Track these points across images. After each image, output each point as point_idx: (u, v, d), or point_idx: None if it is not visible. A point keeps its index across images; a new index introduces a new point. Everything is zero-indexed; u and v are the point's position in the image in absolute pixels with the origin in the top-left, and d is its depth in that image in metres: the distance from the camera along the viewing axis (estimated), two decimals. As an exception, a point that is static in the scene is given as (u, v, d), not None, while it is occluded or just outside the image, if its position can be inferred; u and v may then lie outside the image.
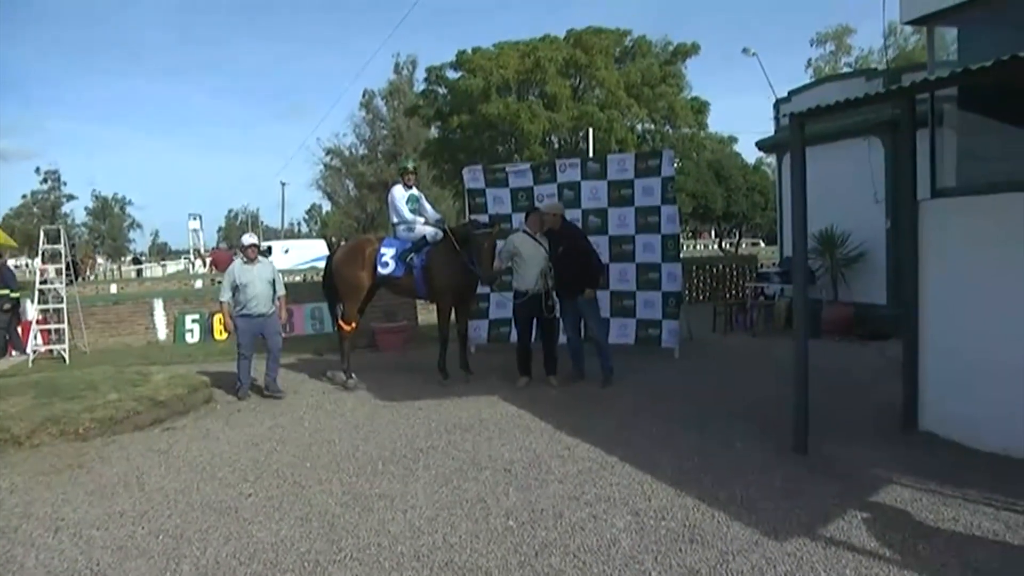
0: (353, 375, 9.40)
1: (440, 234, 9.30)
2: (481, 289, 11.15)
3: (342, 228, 60.25)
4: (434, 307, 9.67)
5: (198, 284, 18.18)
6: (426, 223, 9.46)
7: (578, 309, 8.85)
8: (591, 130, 27.51)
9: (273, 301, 8.95)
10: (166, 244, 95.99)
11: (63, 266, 13.39)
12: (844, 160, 12.10)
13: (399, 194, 9.59)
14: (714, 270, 17.95)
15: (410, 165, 9.85)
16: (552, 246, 8.73)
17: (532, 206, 10.12)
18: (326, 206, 73.12)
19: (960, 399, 5.98)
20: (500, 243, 9.21)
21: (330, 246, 29.75)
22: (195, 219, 43.57)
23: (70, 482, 5.97)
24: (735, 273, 17.83)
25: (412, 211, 9.64)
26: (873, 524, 4.57)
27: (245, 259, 8.87)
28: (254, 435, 7.21)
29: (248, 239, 9.04)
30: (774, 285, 13.41)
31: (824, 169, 11.01)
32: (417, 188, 9.80)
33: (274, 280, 8.99)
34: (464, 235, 9.12)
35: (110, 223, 73.57)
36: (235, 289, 8.75)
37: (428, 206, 9.91)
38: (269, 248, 28.23)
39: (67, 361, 12.53)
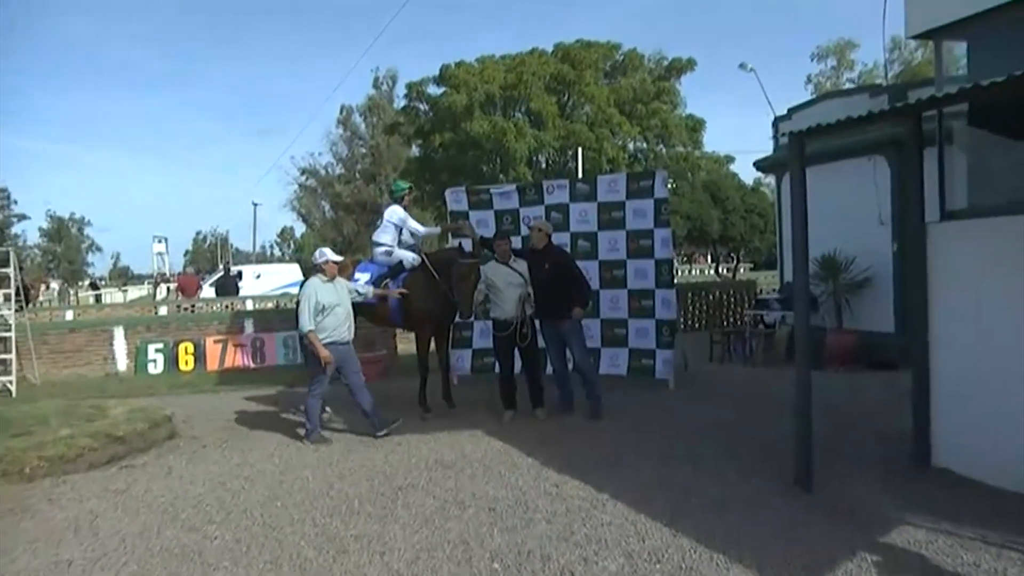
0: (328, 409, 9.36)
1: (418, 260, 9.38)
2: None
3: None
4: (414, 336, 9.68)
5: (163, 311, 18.03)
6: (411, 245, 9.59)
7: (562, 336, 8.83)
8: (580, 149, 27.73)
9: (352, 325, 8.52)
10: (128, 268, 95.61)
11: (12, 291, 13.24)
12: (847, 181, 12.21)
13: (399, 213, 9.62)
14: (711, 296, 18.02)
15: (409, 186, 10.09)
16: (536, 266, 8.76)
17: (499, 230, 10.16)
18: (300, 228, 73.11)
19: (977, 432, 5.94)
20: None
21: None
22: (160, 241, 43.35)
23: (11, 529, 5.79)
24: (733, 300, 17.91)
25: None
26: (884, 568, 4.51)
27: (324, 277, 8.25)
28: (221, 473, 7.11)
29: (325, 254, 8.33)
30: (774, 312, 13.47)
31: (826, 190, 11.11)
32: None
33: (362, 294, 8.74)
34: (445, 261, 9.14)
35: (66, 245, 73.13)
36: (319, 313, 8.05)
37: (418, 227, 9.98)
38: (239, 272, 28.05)
39: (13, 394, 12.36)
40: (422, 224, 10.13)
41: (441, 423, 8.78)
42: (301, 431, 8.49)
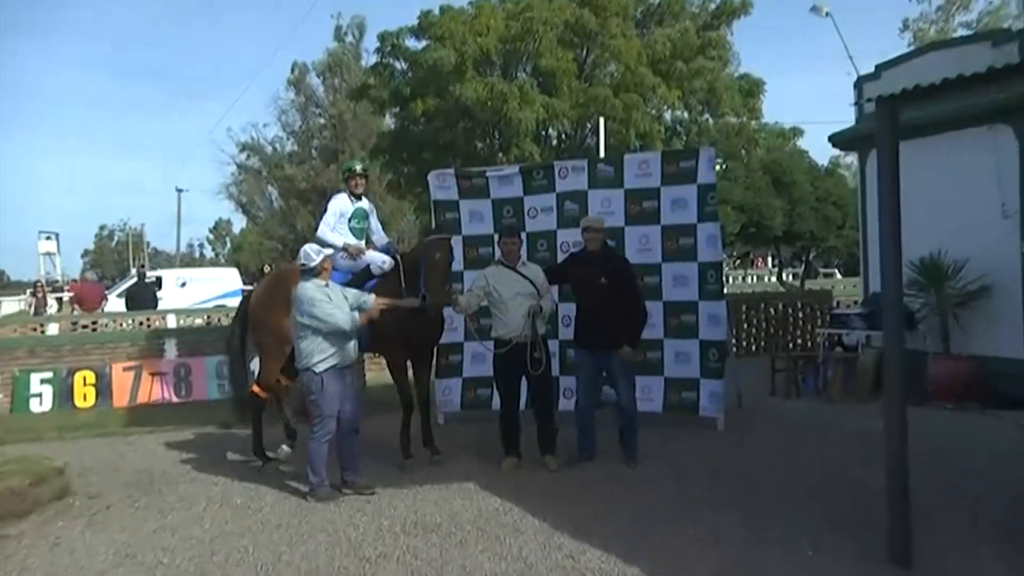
0: (276, 452, 9.39)
1: (389, 262, 9.44)
2: (453, 337, 11.17)
3: (261, 252, 60.15)
4: (387, 361, 9.73)
5: (52, 329, 18.01)
6: (385, 245, 9.68)
7: (603, 367, 8.99)
8: (602, 120, 27.69)
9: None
10: (3, 273, 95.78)
11: None
12: (958, 159, 12.18)
13: (338, 206, 9.74)
14: (772, 310, 18.06)
15: (358, 167, 9.99)
16: (587, 277, 8.90)
17: (507, 226, 10.22)
18: (240, 222, 73.07)
19: None
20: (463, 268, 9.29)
21: (263, 275, 29.70)
22: (49, 239, 43.48)
23: None
24: (801, 315, 17.92)
25: (357, 230, 9.75)
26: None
27: (320, 281, 8.22)
28: (130, 543, 7.10)
29: (313, 253, 8.23)
30: (856, 332, 13.49)
31: (928, 171, 11.13)
32: (367, 199, 9.98)
33: (359, 305, 8.49)
34: (414, 259, 9.20)
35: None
36: (317, 332, 8.07)
37: (378, 226, 10.08)
38: (158, 279, 28.18)
39: None
40: (343, 225, 9.85)
41: (423, 474, 8.79)
42: (295, 484, 8.53)
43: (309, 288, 8.06)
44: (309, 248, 8.31)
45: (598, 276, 8.83)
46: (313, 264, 8.13)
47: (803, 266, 41.09)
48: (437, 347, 11.24)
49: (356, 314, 8.18)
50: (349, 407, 8.24)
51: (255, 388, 9.73)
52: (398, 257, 9.51)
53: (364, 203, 9.90)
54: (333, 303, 8.05)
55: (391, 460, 9.18)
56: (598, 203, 10.99)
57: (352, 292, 8.46)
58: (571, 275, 9.31)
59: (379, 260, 9.47)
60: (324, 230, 9.67)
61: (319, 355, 7.98)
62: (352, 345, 8.23)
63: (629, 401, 9.03)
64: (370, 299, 8.54)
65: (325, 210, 9.81)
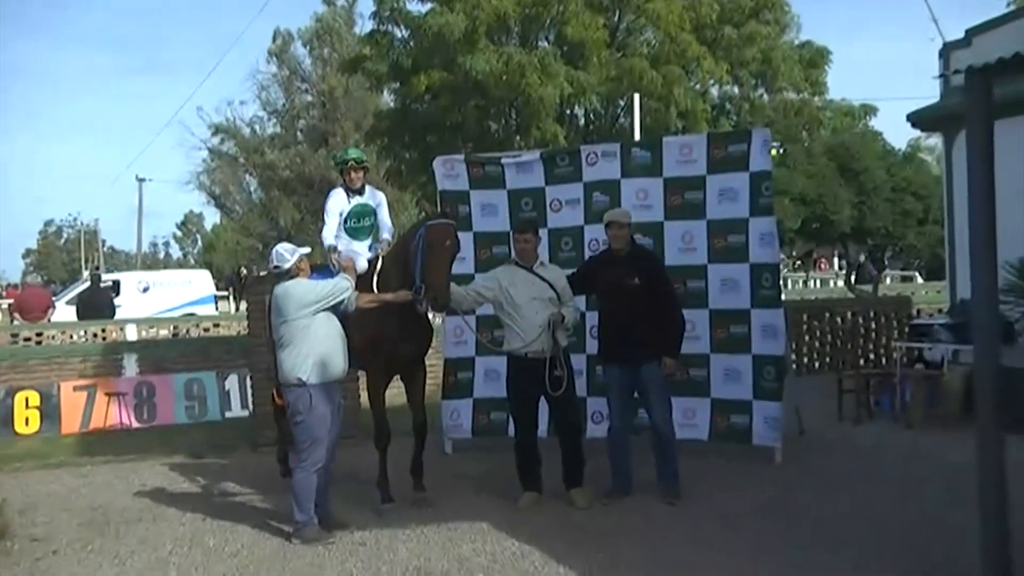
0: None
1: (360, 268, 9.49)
2: (462, 351, 11.18)
3: (238, 252, 60.35)
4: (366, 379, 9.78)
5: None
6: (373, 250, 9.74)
7: (635, 385, 8.98)
8: (637, 97, 27.66)
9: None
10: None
11: None
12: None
13: (336, 203, 9.82)
14: (839, 320, 18.00)
15: (354, 156, 10.05)
16: (614, 279, 8.92)
17: (523, 220, 10.25)
18: (213, 216, 73.30)
19: None
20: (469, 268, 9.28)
21: (240, 279, 29.72)
22: (-18, 236, 43.72)
23: None
24: (875, 325, 17.85)
25: (356, 231, 9.85)
26: None
27: (287, 280, 8.32)
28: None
29: (286, 253, 8.38)
30: (941, 345, 13.44)
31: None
32: (374, 190, 10.13)
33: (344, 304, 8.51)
34: (401, 250, 9.16)
35: None
36: (289, 329, 8.11)
37: (387, 221, 10.12)
38: (116, 283, 28.30)
39: None
40: (344, 226, 9.97)
41: (427, 513, 8.77)
42: (276, 523, 8.52)
43: (292, 284, 8.14)
44: (282, 248, 8.45)
45: (628, 277, 8.84)
46: (287, 265, 8.21)
47: (876, 268, 40.71)
48: (444, 363, 11.30)
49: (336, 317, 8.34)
50: (335, 432, 8.32)
51: (279, 399, 9.76)
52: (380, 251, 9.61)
53: (366, 198, 9.94)
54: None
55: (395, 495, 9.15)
56: (632, 194, 10.97)
57: (328, 284, 8.43)
58: (596, 279, 9.31)
59: (359, 264, 9.44)
60: (329, 234, 9.77)
61: (306, 366, 7.98)
62: (343, 352, 8.28)
63: (665, 424, 9.02)
64: (351, 294, 8.54)
65: (325, 208, 9.88)
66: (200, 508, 9.42)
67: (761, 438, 10.45)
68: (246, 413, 14.29)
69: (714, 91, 33.94)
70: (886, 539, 7.61)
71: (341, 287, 8.34)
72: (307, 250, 8.58)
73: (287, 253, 8.29)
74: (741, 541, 7.66)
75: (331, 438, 8.23)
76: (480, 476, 10.04)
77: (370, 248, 9.95)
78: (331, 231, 9.80)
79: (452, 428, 11.44)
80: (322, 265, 10.05)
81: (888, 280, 42.58)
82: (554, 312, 8.70)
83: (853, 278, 38.85)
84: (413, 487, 9.21)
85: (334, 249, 9.67)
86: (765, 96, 33.98)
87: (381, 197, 10.18)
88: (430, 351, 9.58)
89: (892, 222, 34.05)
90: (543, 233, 10.50)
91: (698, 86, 32.85)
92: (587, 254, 10.74)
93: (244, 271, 37.40)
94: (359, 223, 9.88)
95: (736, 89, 33.91)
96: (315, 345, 8.04)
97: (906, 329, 15.85)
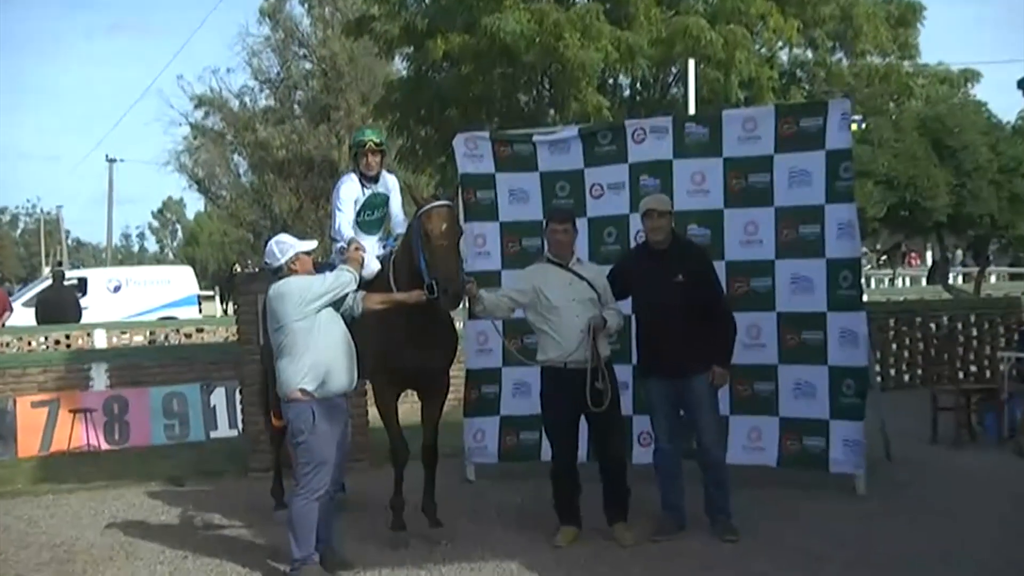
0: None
1: (374, 268, 9.55)
2: (487, 360, 11.22)
3: (225, 245, 60.52)
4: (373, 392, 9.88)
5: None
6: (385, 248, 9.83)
7: (682, 401, 8.98)
8: (692, 63, 27.61)
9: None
10: None
11: None
12: None
13: (347, 192, 9.91)
14: (933, 326, 17.91)
15: (372, 138, 10.12)
16: (654, 278, 8.92)
17: (557, 209, 10.32)
18: (195, 203, 73.54)
19: None
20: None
21: (230, 276, 29.82)
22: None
23: None
24: (976, 332, 17.76)
25: (369, 224, 9.98)
26: None
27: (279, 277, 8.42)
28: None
29: (286, 245, 8.47)
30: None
31: None
32: (388, 174, 10.21)
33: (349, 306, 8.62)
34: (405, 245, 9.25)
35: None
36: (288, 335, 8.18)
37: (401, 214, 10.21)
38: (81, 281, 28.46)
39: None
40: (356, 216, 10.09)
41: (446, 551, 8.80)
42: (271, 562, 8.58)
43: (286, 282, 8.18)
44: (278, 241, 8.47)
45: (670, 274, 8.84)
46: (278, 263, 8.28)
47: (979, 264, 40.45)
48: (466, 374, 11.31)
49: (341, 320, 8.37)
50: (342, 454, 8.36)
51: (276, 421, 9.84)
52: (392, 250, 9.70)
53: (381, 186, 10.03)
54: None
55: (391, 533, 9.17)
56: (687, 177, 10.95)
57: (327, 281, 8.40)
58: (632, 278, 9.27)
59: (371, 268, 9.49)
60: (342, 224, 9.84)
61: (308, 377, 7.98)
62: (351, 361, 8.29)
63: (715, 446, 9.05)
64: (357, 296, 8.61)
65: (334, 197, 9.98)
66: (182, 544, 9.43)
67: (839, 464, 10.35)
68: (235, 433, 14.35)
69: (783, 55, 33.81)
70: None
71: (343, 279, 8.30)
72: (311, 244, 8.61)
73: (279, 248, 8.30)
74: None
75: (336, 461, 8.23)
76: (508, 507, 10.06)
77: (384, 245, 10.02)
78: (348, 223, 9.86)
79: (475, 451, 11.43)
80: (326, 263, 10.12)
81: (993, 278, 42.24)
82: (595, 316, 8.67)
83: (924, 279, 38.45)
84: (429, 523, 9.23)
85: (353, 242, 9.65)
86: (844, 61, 33.82)
87: (393, 182, 10.26)
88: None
89: (998, 209, 33.80)
90: (582, 223, 10.51)
91: (764, 49, 32.74)
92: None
93: (237, 267, 37.51)
94: (371, 215, 9.98)
95: (809, 53, 33.76)
96: (319, 352, 8.02)
97: (1015, 336, 15.77)
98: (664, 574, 8.09)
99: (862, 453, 10.38)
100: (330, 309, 8.23)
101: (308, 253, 8.43)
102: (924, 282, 37.36)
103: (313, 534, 8.08)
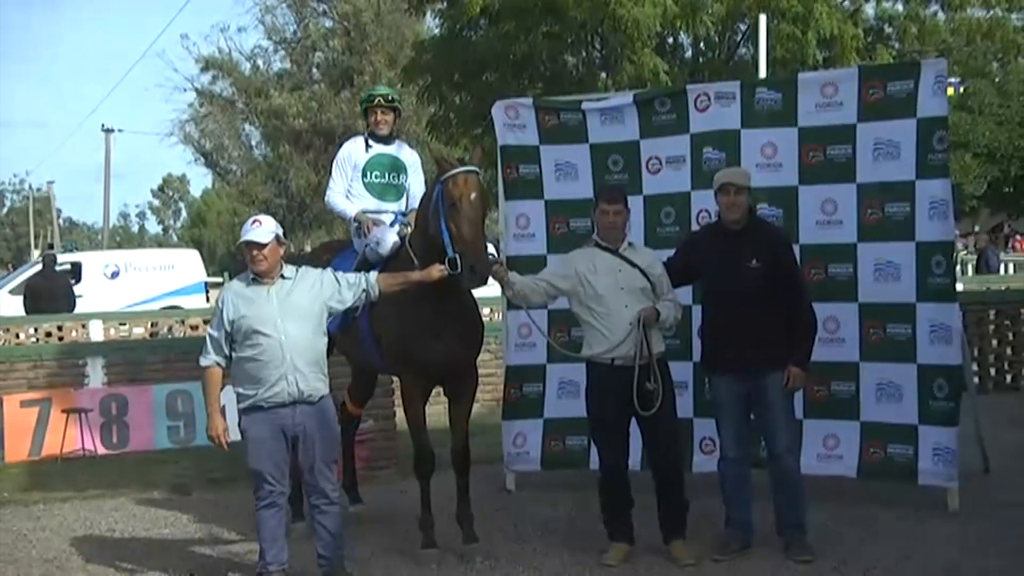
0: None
1: (388, 243, 9.65)
2: (529, 356, 11.29)
3: (235, 226, 60.58)
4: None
5: None
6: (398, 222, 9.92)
7: (752, 403, 9.00)
8: (763, 19, 27.50)
9: (322, 366, 8.78)
10: None
11: None
12: None
13: (349, 153, 10.08)
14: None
15: (381, 91, 10.25)
16: (725, 261, 8.92)
17: (609, 187, 10.36)
18: (201, 179, 73.76)
19: None
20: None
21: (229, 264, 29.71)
22: None
23: None
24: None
25: (377, 188, 10.07)
26: None
27: (251, 275, 8.63)
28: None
29: (256, 230, 8.53)
30: None
31: None
32: (406, 146, 10.34)
33: (326, 308, 8.76)
34: (422, 217, 9.26)
35: None
36: (230, 339, 8.57)
37: (420, 188, 10.24)
38: (74, 267, 28.61)
39: None
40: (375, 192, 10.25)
41: (481, 568, 8.87)
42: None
43: (230, 288, 8.71)
44: (250, 227, 8.58)
45: (745, 259, 8.81)
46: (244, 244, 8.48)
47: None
48: (505, 372, 11.35)
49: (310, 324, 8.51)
50: (316, 460, 8.57)
51: (350, 405, 10.12)
52: (406, 229, 9.77)
53: (394, 148, 10.12)
54: (269, 306, 8.40)
55: (422, 546, 9.25)
56: (756, 150, 10.92)
57: (318, 290, 8.63)
58: (700, 260, 9.27)
59: (388, 242, 9.60)
60: (334, 194, 10.00)
61: (240, 387, 8.65)
62: (290, 370, 8.39)
63: (789, 455, 9.01)
64: (368, 278, 8.77)
65: (337, 159, 10.07)
66: (186, 559, 9.54)
67: (929, 476, 10.27)
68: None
69: (869, 9, 33.53)
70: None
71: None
72: (257, 238, 8.46)
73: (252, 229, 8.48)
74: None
75: (316, 463, 8.56)
76: (552, 520, 10.09)
77: (393, 222, 10.07)
78: (339, 191, 10.04)
79: (516, 458, 11.45)
80: (343, 243, 10.20)
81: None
82: (646, 307, 8.68)
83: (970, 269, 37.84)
84: (463, 538, 9.28)
85: (361, 217, 9.83)
86: (940, 14, 33.46)
87: (416, 159, 10.35)
88: (490, 356, 9.65)
89: None
90: (636, 201, 10.62)
91: (847, 3, 32.53)
92: (696, 229, 10.71)
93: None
94: (384, 178, 10.07)
95: (900, 6, 33.44)
96: (244, 354, 8.53)
97: None
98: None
99: (955, 464, 10.26)
100: (303, 311, 8.50)
101: (260, 245, 8.43)
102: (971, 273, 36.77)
103: (274, 544, 8.49)
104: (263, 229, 8.42)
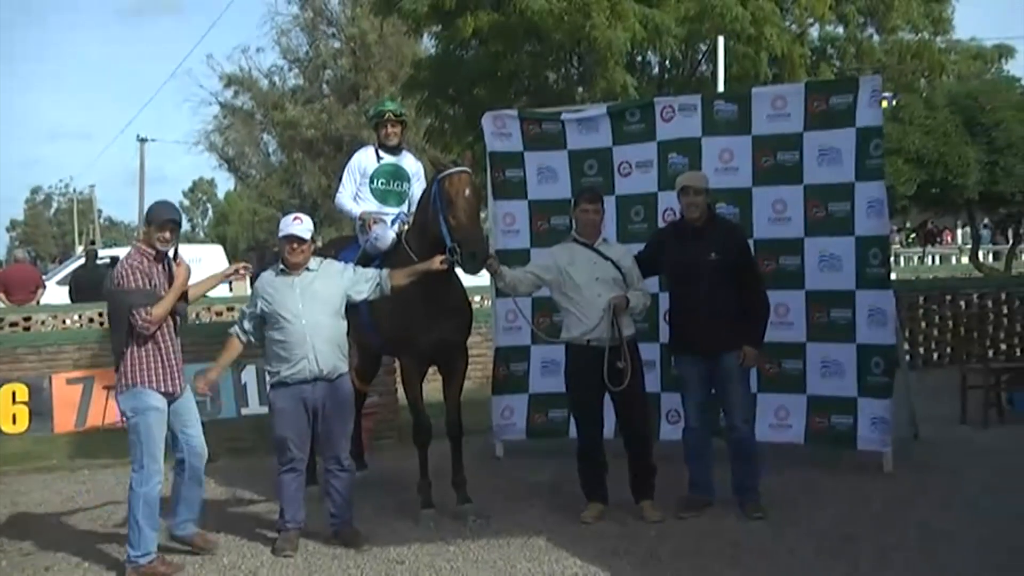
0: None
1: (386, 238, 9.69)
2: (515, 338, 11.28)
3: (255, 224, 60.56)
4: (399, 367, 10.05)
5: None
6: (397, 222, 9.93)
7: (713, 379, 9.04)
8: (722, 40, 27.46)
9: (342, 347, 8.88)
10: None
11: None
12: None
13: (360, 161, 10.04)
14: (962, 305, 17.80)
15: (391, 107, 10.27)
16: (687, 255, 8.98)
17: (588, 186, 10.36)
18: (225, 183, 73.65)
19: None
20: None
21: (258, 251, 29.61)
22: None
23: None
24: (1006, 310, 17.66)
25: (383, 194, 10.05)
26: None
27: (281, 266, 8.75)
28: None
29: (298, 226, 8.64)
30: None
31: None
32: (412, 156, 10.32)
33: (346, 296, 8.81)
34: (420, 214, 9.30)
35: None
36: (259, 321, 8.81)
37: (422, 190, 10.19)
38: (113, 260, 28.45)
39: None
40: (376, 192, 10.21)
41: (474, 527, 8.86)
42: (301, 538, 8.72)
43: (264, 277, 8.89)
44: (287, 221, 8.75)
45: (704, 252, 8.86)
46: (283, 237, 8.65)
47: (1011, 242, 40.19)
48: (495, 352, 11.37)
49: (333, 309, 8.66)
50: (334, 432, 8.77)
51: (357, 382, 10.02)
52: (404, 227, 9.79)
53: (400, 159, 10.12)
54: (296, 294, 8.56)
55: (416, 507, 9.26)
56: (715, 155, 10.92)
57: (340, 280, 8.77)
58: (665, 253, 9.33)
59: (376, 235, 9.65)
60: (344, 197, 9.98)
61: (270, 364, 8.90)
62: (316, 351, 8.52)
63: (745, 425, 9.08)
64: (382, 274, 8.84)
65: (347, 167, 10.04)
66: (214, 520, 9.46)
67: (867, 442, 10.33)
68: (265, 410, 14.36)
69: (813, 32, 33.58)
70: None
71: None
72: (295, 231, 8.55)
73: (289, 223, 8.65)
74: (841, 566, 7.65)
75: (333, 432, 8.75)
76: (536, 484, 10.11)
77: (394, 221, 10.05)
78: (348, 194, 10.02)
79: (504, 428, 11.46)
80: (349, 239, 10.19)
81: (1024, 256, 41.83)
82: (617, 295, 8.71)
83: (954, 258, 38.08)
84: (457, 500, 9.32)
85: (365, 216, 9.83)
86: (875, 37, 33.57)
87: (419, 167, 10.34)
88: (480, 339, 9.65)
89: (1033, 188, 33.54)
90: (610, 201, 10.61)
91: (795, 26, 32.57)
92: (662, 226, 10.69)
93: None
94: (389, 185, 10.03)
95: (840, 29, 33.55)
96: (274, 336, 8.75)
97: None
98: (691, 550, 8.07)
99: (889, 431, 10.34)
100: (328, 297, 8.67)
101: (296, 239, 8.62)
102: (965, 260, 36.93)
103: (293, 504, 8.72)
104: (304, 226, 8.56)
